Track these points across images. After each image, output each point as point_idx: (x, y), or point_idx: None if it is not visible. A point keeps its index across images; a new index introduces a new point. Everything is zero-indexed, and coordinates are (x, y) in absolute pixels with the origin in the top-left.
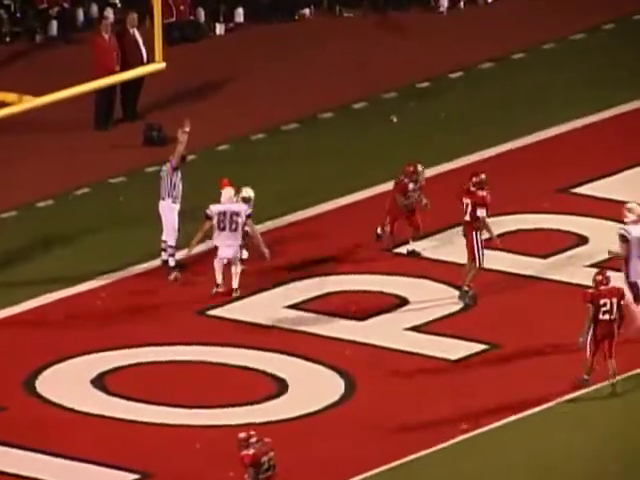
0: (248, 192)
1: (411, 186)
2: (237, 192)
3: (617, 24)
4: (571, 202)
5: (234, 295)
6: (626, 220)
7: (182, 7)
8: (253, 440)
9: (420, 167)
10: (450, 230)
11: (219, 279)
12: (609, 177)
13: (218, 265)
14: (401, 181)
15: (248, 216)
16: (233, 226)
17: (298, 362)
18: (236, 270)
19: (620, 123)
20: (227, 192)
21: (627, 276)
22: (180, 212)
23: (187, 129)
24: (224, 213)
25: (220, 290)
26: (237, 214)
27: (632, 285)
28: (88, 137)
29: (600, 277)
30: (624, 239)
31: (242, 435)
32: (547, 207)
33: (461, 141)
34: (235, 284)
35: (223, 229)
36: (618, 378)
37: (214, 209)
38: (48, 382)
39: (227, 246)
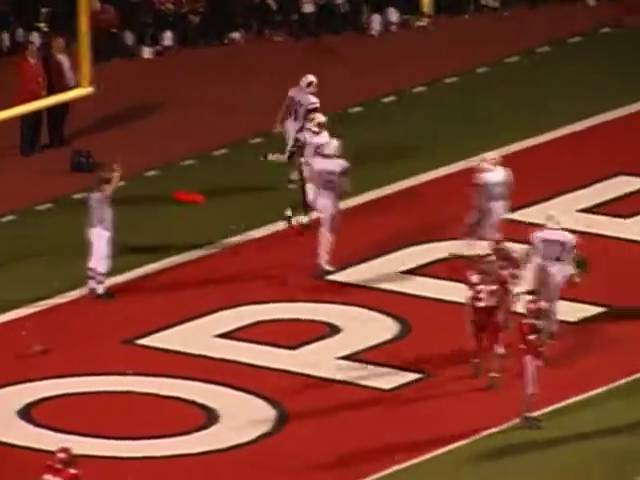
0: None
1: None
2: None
3: (552, 47)
4: (508, 227)
5: None
6: None
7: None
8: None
9: (506, 244)
10: (384, 257)
11: None
12: (543, 203)
13: None
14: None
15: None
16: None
17: (229, 392)
18: None
19: (556, 148)
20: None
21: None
22: (110, 239)
23: (117, 167)
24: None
25: None
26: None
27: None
28: (14, 163)
29: (533, 306)
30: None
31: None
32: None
33: (395, 168)
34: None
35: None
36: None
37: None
38: None
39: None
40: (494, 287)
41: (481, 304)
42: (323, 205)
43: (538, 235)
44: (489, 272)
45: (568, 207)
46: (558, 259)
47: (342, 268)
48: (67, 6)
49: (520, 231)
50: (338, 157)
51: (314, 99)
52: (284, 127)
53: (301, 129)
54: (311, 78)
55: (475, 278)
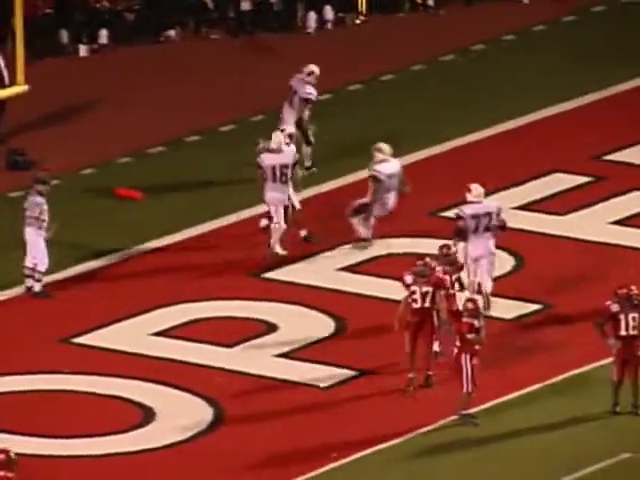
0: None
1: (439, 269)
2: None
3: (487, 45)
4: (444, 225)
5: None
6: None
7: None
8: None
9: (453, 249)
10: (320, 255)
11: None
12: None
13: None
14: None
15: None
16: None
17: (165, 390)
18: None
19: (490, 145)
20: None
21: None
22: (46, 238)
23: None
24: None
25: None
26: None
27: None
28: None
29: (471, 305)
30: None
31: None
32: (419, 230)
33: (336, 165)
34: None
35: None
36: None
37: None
38: None
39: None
40: (428, 288)
41: (416, 305)
42: (273, 198)
43: (467, 212)
44: (422, 274)
45: (503, 204)
46: (488, 229)
47: (278, 266)
48: (1, 4)
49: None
50: (282, 150)
51: (310, 89)
52: (281, 113)
53: (300, 119)
54: (312, 68)
55: (409, 279)
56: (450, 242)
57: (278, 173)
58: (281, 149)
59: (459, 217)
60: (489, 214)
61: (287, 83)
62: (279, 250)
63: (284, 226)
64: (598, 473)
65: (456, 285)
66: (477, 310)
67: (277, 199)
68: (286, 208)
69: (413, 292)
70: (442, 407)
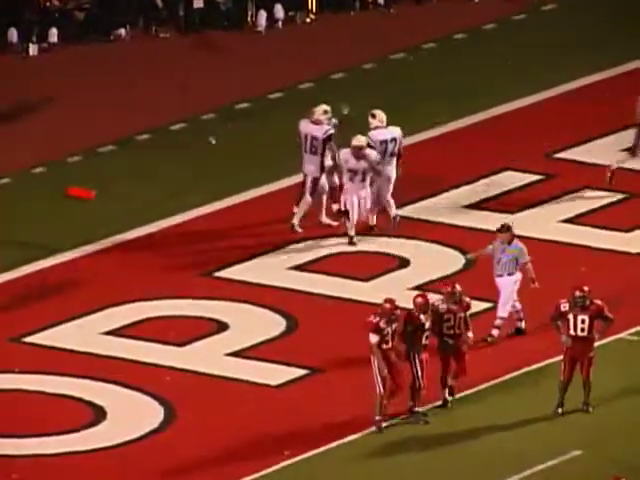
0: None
1: (443, 307)
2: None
3: (437, 44)
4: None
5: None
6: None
7: None
8: None
9: (458, 287)
10: (271, 253)
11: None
12: (430, 199)
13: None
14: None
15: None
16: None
17: (116, 389)
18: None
19: (442, 144)
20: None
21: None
22: None
23: None
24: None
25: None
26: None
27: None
28: None
29: (421, 300)
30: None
31: None
32: (372, 232)
33: (281, 164)
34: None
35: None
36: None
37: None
38: None
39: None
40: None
41: (386, 346)
42: (305, 168)
43: (376, 139)
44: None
45: (454, 203)
46: (392, 154)
47: (230, 264)
48: None
49: (408, 228)
50: (322, 123)
51: None
52: None
53: None
54: None
55: (382, 322)
56: (454, 280)
57: (308, 143)
58: (320, 121)
59: (370, 146)
60: (394, 139)
61: (238, 81)
62: (296, 223)
63: (309, 199)
64: (549, 471)
65: (461, 324)
66: (427, 305)
67: (308, 170)
68: (315, 180)
69: (386, 334)
70: (393, 405)
